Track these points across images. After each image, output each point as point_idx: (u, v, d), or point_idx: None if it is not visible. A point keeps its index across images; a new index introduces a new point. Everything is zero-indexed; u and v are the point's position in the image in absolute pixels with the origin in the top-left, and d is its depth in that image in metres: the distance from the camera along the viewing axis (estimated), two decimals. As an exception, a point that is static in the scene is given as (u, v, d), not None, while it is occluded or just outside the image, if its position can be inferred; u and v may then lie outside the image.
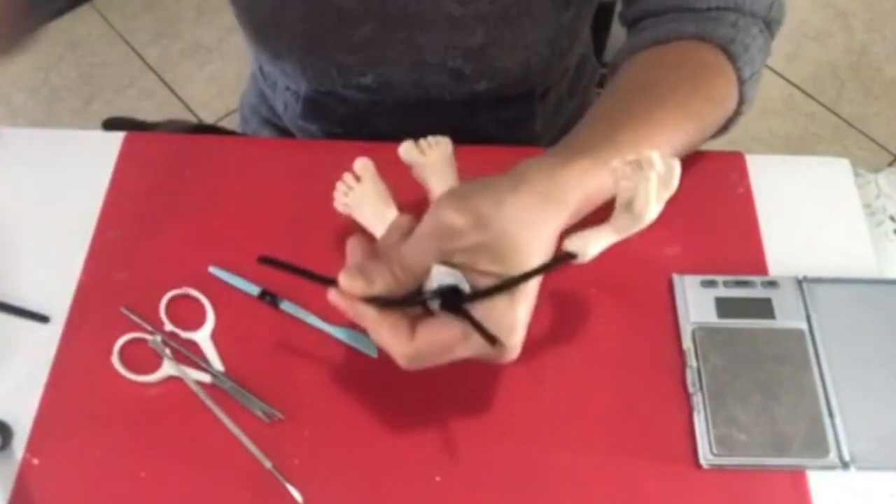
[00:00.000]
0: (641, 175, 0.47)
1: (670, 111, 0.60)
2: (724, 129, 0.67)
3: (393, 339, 0.47)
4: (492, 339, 0.46)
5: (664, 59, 0.64)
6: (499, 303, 0.47)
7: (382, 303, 0.47)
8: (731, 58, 0.63)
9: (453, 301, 0.47)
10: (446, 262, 0.48)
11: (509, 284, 0.47)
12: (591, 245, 0.48)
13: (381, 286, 0.47)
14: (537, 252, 0.48)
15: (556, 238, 0.50)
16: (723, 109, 0.64)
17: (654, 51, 0.66)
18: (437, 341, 0.47)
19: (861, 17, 1.95)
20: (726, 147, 0.71)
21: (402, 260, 0.48)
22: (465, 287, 0.48)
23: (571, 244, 0.48)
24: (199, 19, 1.95)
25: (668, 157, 0.48)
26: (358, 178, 0.59)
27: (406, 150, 0.58)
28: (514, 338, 0.48)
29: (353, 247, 0.51)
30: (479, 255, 0.48)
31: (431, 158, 0.58)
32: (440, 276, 0.48)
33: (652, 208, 0.48)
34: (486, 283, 0.47)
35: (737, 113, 0.66)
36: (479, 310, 0.47)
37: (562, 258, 0.48)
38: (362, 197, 0.58)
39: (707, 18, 0.65)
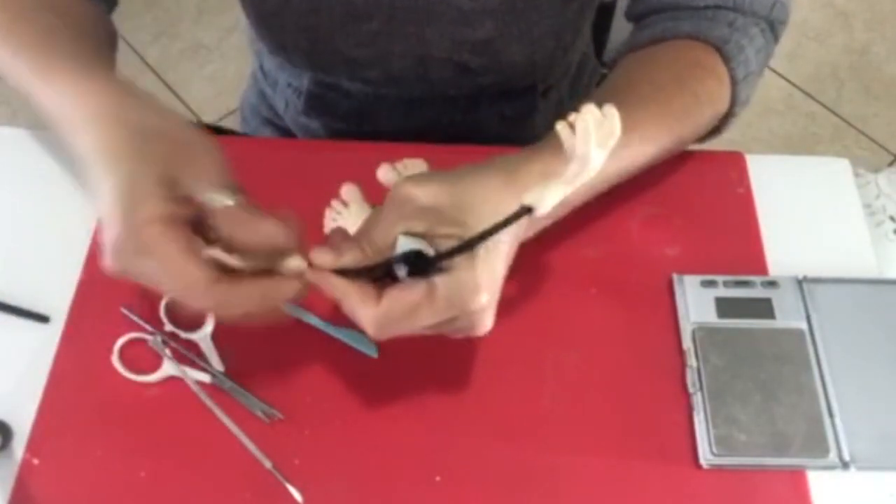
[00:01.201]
0: (585, 130, 0.48)
1: (652, 110, 0.60)
2: (717, 129, 0.68)
3: (360, 304, 0.48)
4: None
5: (655, 59, 0.65)
6: (461, 264, 0.48)
7: (352, 274, 0.49)
8: (725, 58, 0.64)
9: (418, 265, 0.48)
10: (410, 233, 0.49)
11: (470, 244, 0.47)
12: (547, 197, 0.48)
13: (349, 259, 0.49)
14: (492, 216, 0.48)
15: (510, 210, 0.49)
16: (711, 109, 0.64)
17: (649, 50, 0.66)
18: (402, 302, 0.48)
19: (861, 17, 1.95)
20: (726, 147, 0.71)
21: (368, 235, 0.50)
22: (430, 252, 0.48)
23: (527, 198, 0.48)
24: (199, 19, 1.95)
25: (608, 106, 0.48)
26: (346, 204, 0.62)
27: (384, 172, 0.59)
28: (478, 299, 0.48)
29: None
30: (440, 222, 0.49)
31: None
32: (405, 244, 0.49)
33: (594, 152, 0.47)
34: (449, 244, 0.48)
35: (730, 113, 0.66)
36: (442, 274, 0.48)
37: (519, 213, 0.48)
38: (350, 221, 0.62)
39: (704, 17, 0.65)
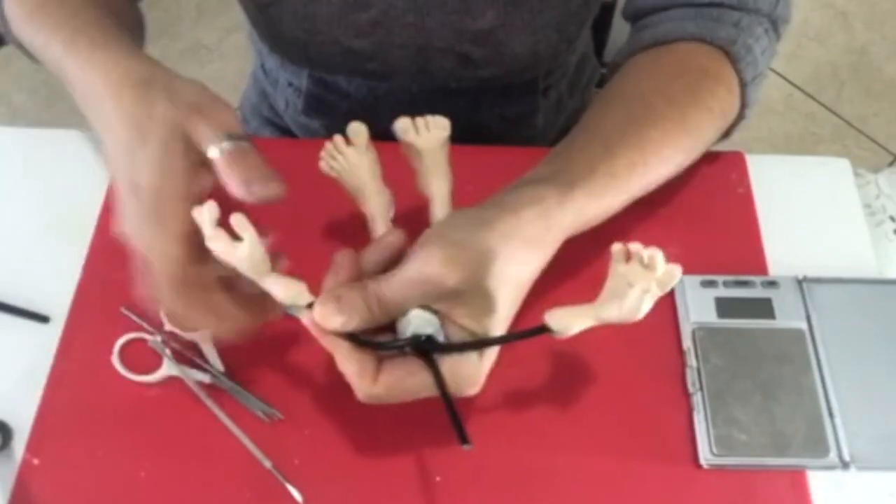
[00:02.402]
0: (642, 276, 0.48)
1: (669, 129, 0.59)
2: (726, 134, 0.67)
3: (358, 377, 0.48)
4: (451, 409, 0.48)
5: (663, 67, 0.64)
6: (469, 358, 0.49)
7: (356, 340, 0.48)
8: (733, 60, 0.63)
9: (426, 350, 0.48)
10: (425, 307, 0.49)
11: (483, 344, 0.49)
12: (574, 326, 0.49)
13: (356, 322, 0.48)
14: (513, 303, 0.50)
15: (535, 277, 0.52)
16: (722, 121, 0.64)
17: (654, 54, 0.65)
18: (401, 387, 0.49)
19: (861, 17, 1.95)
20: (726, 147, 0.71)
21: (382, 296, 0.48)
22: (441, 338, 0.48)
23: (553, 321, 0.49)
24: (199, 19, 1.95)
25: (670, 264, 0.48)
26: (349, 143, 0.57)
27: (403, 128, 0.56)
28: (475, 390, 0.50)
29: (337, 266, 0.51)
30: (459, 307, 0.49)
31: (425, 142, 0.57)
32: (419, 323, 0.48)
33: (644, 310, 0.48)
34: (459, 335, 0.49)
35: (740, 116, 0.65)
36: (448, 360, 0.48)
37: (540, 331, 0.49)
38: (351, 165, 0.57)
39: (709, 17, 0.64)
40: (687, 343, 0.60)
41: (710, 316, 0.61)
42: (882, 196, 1.06)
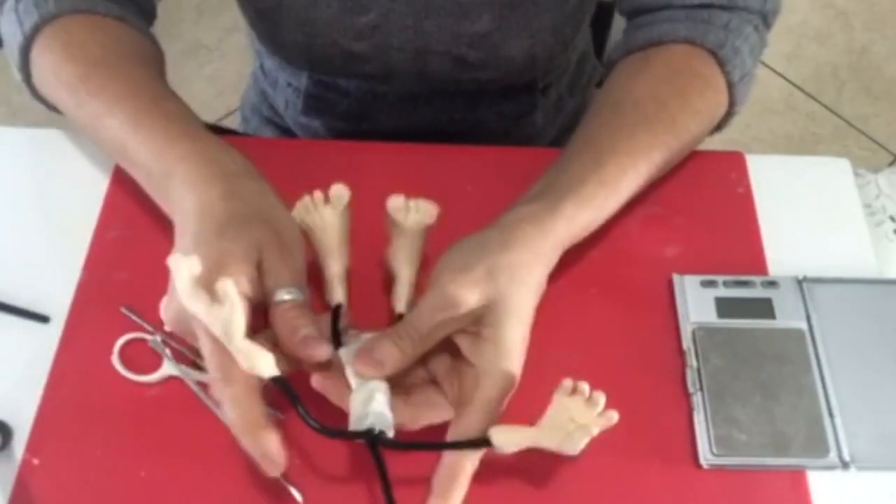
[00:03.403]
0: (583, 413, 0.51)
1: (658, 133, 0.62)
2: (717, 128, 0.69)
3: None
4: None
5: (654, 71, 0.65)
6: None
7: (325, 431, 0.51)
8: (721, 62, 0.64)
9: (374, 443, 0.51)
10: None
11: (429, 446, 0.53)
12: (513, 445, 0.51)
13: (392, 367, 0.51)
14: (527, 309, 0.53)
15: (544, 283, 0.55)
16: (710, 121, 0.66)
17: (645, 56, 0.67)
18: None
19: (861, 17, 1.95)
20: (726, 147, 0.71)
21: (411, 333, 0.51)
22: (390, 433, 0.50)
23: (496, 437, 0.51)
24: (199, 19, 1.95)
25: (609, 411, 0.51)
26: (327, 200, 0.59)
27: (395, 207, 0.58)
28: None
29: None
30: (485, 326, 0.52)
31: (411, 223, 0.59)
32: (375, 414, 0.50)
33: (581, 447, 0.51)
34: (487, 350, 0.52)
35: (730, 113, 0.67)
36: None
37: (480, 444, 0.51)
38: (325, 224, 0.58)
39: (699, 20, 0.65)
40: (687, 343, 0.60)
41: (710, 316, 0.61)
42: (882, 196, 1.06)
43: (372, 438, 0.50)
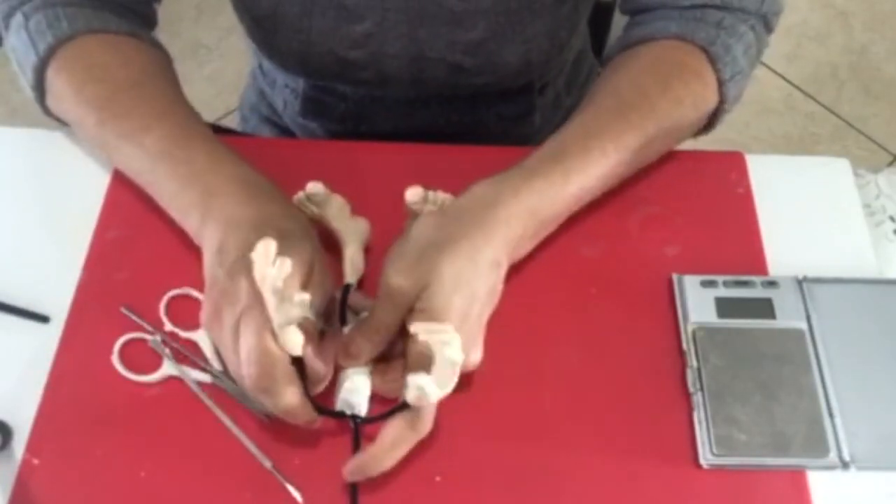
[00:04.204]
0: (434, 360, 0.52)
1: (633, 119, 0.62)
2: (709, 126, 0.68)
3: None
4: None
5: (639, 62, 0.66)
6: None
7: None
8: (711, 59, 0.64)
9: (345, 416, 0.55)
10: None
11: (396, 410, 0.53)
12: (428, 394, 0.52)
13: (368, 355, 0.55)
14: (466, 280, 0.53)
15: (502, 260, 0.56)
16: (695, 111, 0.65)
17: (635, 52, 0.67)
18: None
19: (861, 17, 1.95)
20: (726, 147, 0.71)
21: (371, 325, 0.55)
22: (366, 395, 0.56)
23: (411, 390, 0.51)
24: (199, 19, 1.94)
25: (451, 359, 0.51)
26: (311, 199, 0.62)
27: (414, 195, 0.59)
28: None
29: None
30: (427, 310, 0.53)
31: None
32: (349, 387, 0.55)
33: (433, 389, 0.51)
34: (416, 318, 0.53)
35: (721, 110, 0.67)
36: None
37: (401, 406, 0.53)
38: (323, 213, 0.62)
39: (692, 18, 0.66)
40: (687, 343, 0.60)
41: (710, 316, 0.61)
42: (882, 196, 1.06)
43: (344, 417, 0.55)
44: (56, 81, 0.64)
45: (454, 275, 0.53)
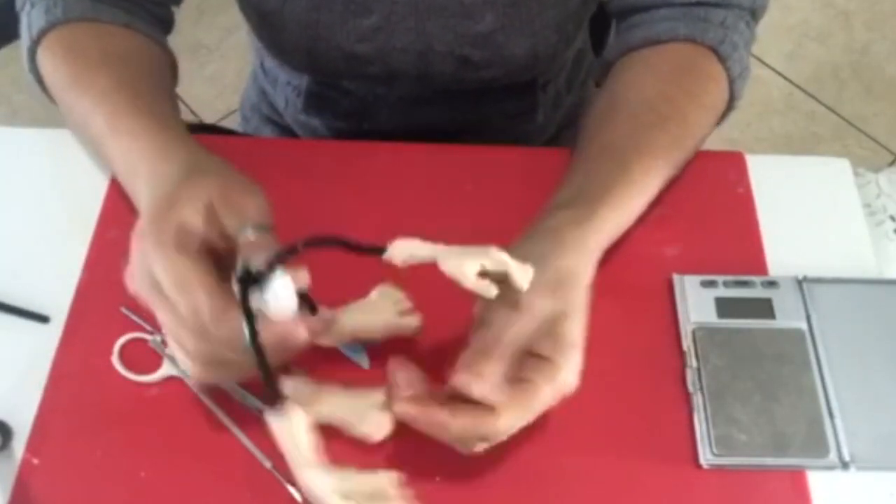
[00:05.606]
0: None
1: (673, 132, 0.63)
2: (716, 123, 0.69)
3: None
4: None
5: (661, 71, 0.67)
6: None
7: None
8: (721, 58, 0.66)
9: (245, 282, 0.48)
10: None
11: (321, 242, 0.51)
12: (406, 253, 0.51)
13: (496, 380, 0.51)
14: (586, 311, 0.53)
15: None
16: (714, 115, 0.67)
17: (648, 56, 0.68)
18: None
19: (862, 17, 1.95)
20: (726, 147, 0.71)
21: (506, 351, 0.51)
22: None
23: (395, 248, 0.51)
24: (199, 19, 1.95)
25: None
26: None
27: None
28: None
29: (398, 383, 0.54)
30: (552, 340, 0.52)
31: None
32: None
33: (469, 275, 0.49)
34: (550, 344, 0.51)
35: (729, 108, 0.68)
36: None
37: (378, 251, 0.51)
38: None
39: (697, 18, 0.66)
40: (687, 343, 0.60)
41: (710, 316, 0.61)
42: (882, 196, 1.06)
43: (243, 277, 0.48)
44: (43, 63, 0.66)
45: (582, 308, 0.53)
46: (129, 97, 0.61)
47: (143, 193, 0.55)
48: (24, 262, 0.65)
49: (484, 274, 0.49)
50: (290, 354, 0.50)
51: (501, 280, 0.50)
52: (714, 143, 0.70)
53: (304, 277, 0.50)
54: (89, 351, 0.60)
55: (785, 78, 1.85)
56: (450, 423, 0.50)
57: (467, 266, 0.49)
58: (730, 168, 0.70)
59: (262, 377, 0.48)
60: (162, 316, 0.50)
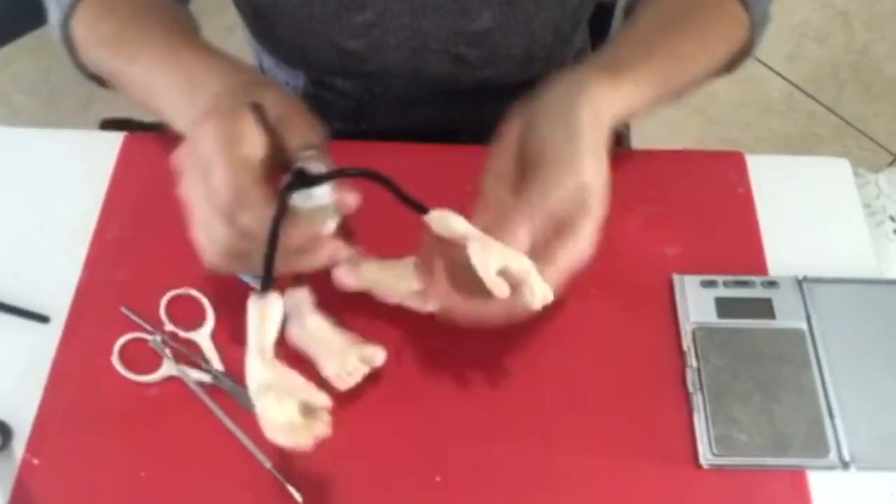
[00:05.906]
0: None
1: (693, 47, 0.63)
2: (730, 67, 0.69)
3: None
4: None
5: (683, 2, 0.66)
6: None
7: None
8: (745, 4, 0.65)
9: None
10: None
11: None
12: (449, 226, 0.52)
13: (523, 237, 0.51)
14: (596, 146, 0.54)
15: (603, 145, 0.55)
16: (729, 45, 0.67)
17: None
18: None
19: (861, 17, 1.95)
20: (726, 147, 0.71)
21: (535, 217, 0.52)
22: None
23: (433, 214, 0.52)
24: (200, 19, 1.94)
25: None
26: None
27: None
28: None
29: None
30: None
31: None
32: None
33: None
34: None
35: (746, 53, 0.68)
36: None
37: (417, 206, 0.53)
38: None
39: None
40: (687, 343, 0.60)
41: (710, 316, 0.61)
42: (882, 196, 1.06)
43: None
44: (77, 31, 0.64)
45: (603, 158, 0.54)
46: (173, 32, 0.61)
47: (215, 96, 0.54)
48: (24, 262, 0.65)
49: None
50: (308, 261, 0.51)
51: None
52: (714, 143, 0.70)
53: (353, 200, 0.52)
54: (89, 351, 0.60)
55: (785, 78, 1.85)
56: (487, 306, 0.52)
57: (491, 261, 0.50)
58: (730, 168, 0.70)
59: (264, 258, 0.49)
60: (194, 192, 0.50)
